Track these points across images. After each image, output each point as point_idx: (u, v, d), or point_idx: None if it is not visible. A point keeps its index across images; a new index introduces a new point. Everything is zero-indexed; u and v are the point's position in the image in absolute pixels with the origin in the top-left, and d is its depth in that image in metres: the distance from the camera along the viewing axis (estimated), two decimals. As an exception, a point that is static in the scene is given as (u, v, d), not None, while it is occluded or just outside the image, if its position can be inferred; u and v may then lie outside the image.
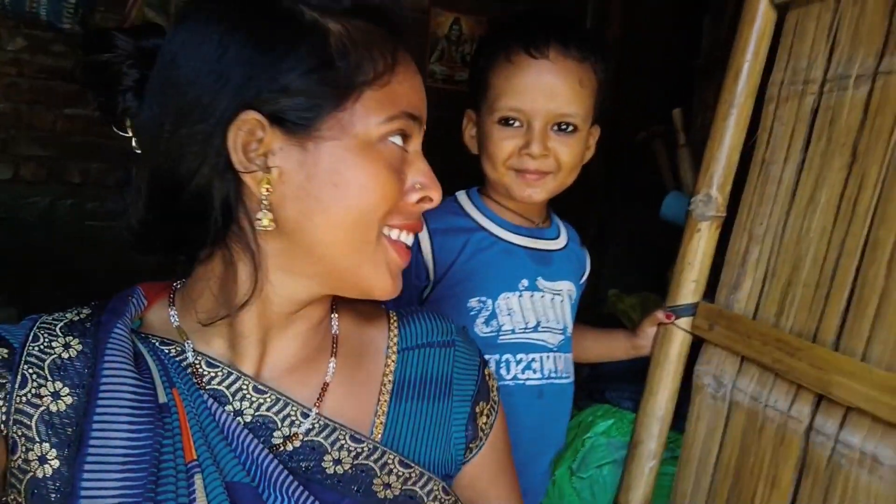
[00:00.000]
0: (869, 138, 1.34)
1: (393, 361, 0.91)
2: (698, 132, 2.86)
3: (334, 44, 0.75)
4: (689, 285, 1.66)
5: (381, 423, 0.85)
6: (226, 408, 0.78)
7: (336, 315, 0.94)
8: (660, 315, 1.65)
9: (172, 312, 0.85)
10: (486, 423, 0.95)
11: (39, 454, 0.69)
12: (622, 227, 4.45)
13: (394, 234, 0.79)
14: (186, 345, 0.82)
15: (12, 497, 0.71)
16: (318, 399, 0.84)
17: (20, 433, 0.69)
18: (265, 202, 0.74)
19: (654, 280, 2.85)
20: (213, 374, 0.80)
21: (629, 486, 1.71)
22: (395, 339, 0.94)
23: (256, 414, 0.79)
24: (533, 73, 1.31)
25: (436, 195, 0.81)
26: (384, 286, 0.79)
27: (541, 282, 1.50)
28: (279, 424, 0.79)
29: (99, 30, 0.80)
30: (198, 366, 0.81)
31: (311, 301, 0.83)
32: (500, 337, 1.45)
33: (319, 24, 0.75)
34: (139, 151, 0.80)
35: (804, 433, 1.39)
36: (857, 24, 1.42)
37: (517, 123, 1.36)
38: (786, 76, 1.58)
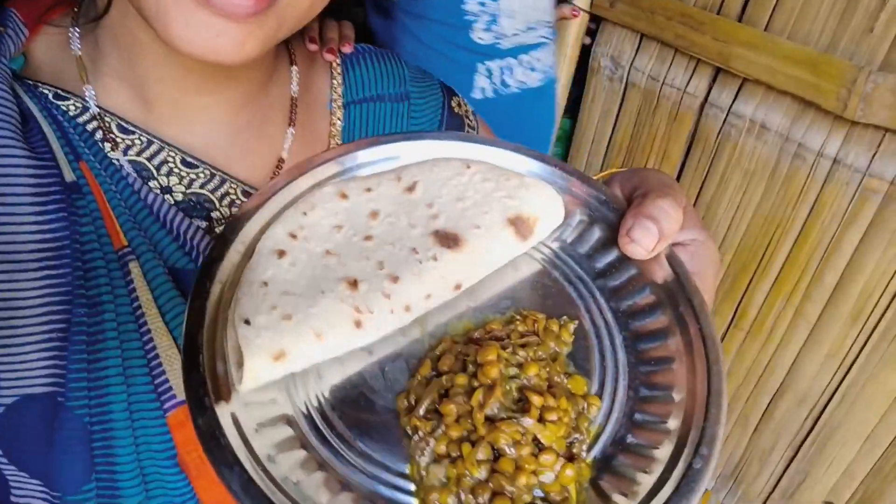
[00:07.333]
0: None
1: (339, 119, 0.76)
2: None
3: None
4: (589, -43, 1.51)
5: None
6: (150, 184, 0.64)
7: (297, 69, 0.74)
8: (566, 10, 1.53)
9: (75, 34, 0.64)
10: None
11: None
12: None
13: None
14: (87, 92, 0.63)
15: None
16: (271, 177, 0.70)
17: None
18: None
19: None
20: (129, 142, 0.64)
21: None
22: (340, 90, 0.77)
23: (189, 192, 0.66)
24: None
25: None
26: (177, 32, 0.52)
27: None
28: (217, 204, 0.67)
29: None
30: (108, 128, 0.64)
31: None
32: (502, 42, 1.30)
33: None
34: None
35: (698, 108, 1.44)
36: None
37: None
38: None
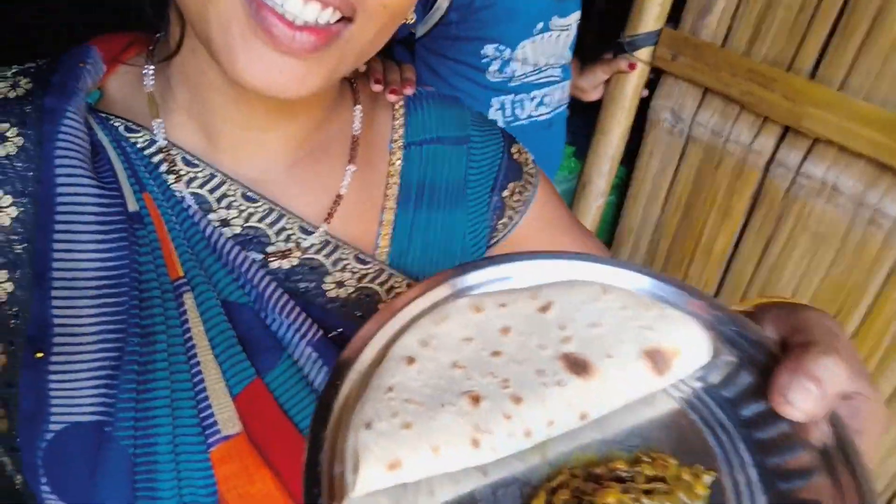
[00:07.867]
0: None
1: (398, 159, 0.76)
2: None
3: None
4: (653, 9, 1.49)
5: (387, 234, 0.73)
6: (209, 216, 0.65)
7: (360, 107, 0.75)
8: (622, 65, 1.51)
9: (149, 71, 0.66)
10: (517, 201, 0.82)
11: None
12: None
13: None
14: (156, 126, 0.65)
15: None
16: (328, 213, 0.70)
17: None
18: None
19: None
20: (192, 175, 0.65)
21: (575, 224, 1.73)
22: (401, 131, 0.77)
23: (246, 225, 0.66)
24: None
25: None
26: (242, 66, 0.53)
27: (555, 21, 1.39)
28: (272, 239, 0.67)
29: None
30: (173, 161, 0.65)
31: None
32: (513, 81, 1.41)
33: None
34: None
35: (764, 166, 1.38)
36: None
37: None
38: None
